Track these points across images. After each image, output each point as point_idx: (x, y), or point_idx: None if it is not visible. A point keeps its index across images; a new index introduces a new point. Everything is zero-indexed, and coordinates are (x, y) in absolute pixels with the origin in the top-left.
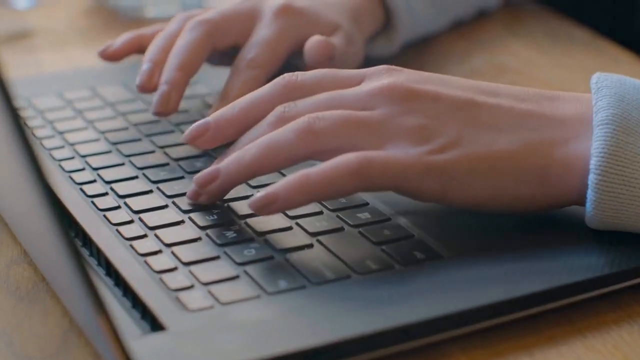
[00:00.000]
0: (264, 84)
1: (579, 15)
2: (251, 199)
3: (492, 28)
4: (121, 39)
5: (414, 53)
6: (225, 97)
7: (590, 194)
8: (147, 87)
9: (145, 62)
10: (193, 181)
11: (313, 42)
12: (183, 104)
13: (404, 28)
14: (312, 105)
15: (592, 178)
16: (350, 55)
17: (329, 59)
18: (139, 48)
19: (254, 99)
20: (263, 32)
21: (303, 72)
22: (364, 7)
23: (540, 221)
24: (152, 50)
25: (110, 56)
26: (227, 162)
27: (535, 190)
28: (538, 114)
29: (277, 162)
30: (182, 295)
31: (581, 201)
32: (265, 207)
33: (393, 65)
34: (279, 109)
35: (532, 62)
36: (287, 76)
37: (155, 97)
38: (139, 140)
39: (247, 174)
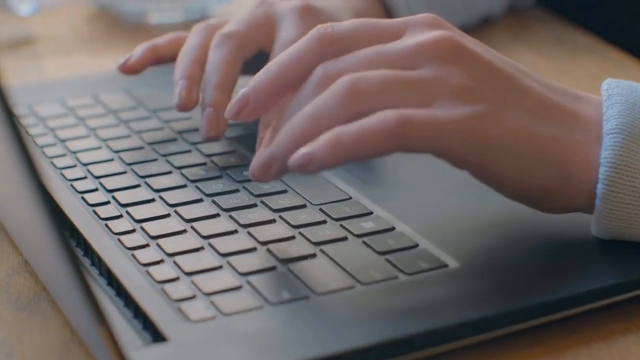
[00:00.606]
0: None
1: (584, 21)
2: (292, 158)
3: (497, 33)
4: (138, 51)
5: None
6: None
7: (597, 203)
8: (187, 105)
9: (179, 79)
10: (252, 171)
11: None
12: (191, 112)
13: None
14: (355, 63)
15: (600, 187)
16: None
17: None
18: (155, 59)
19: (289, 58)
20: (290, 32)
21: (338, 23)
22: (366, 12)
23: (547, 230)
24: (182, 65)
25: (130, 69)
26: (278, 142)
27: (557, 185)
28: (566, 109)
29: (324, 129)
30: (184, 306)
31: (589, 208)
32: (303, 167)
33: (434, 15)
34: (319, 70)
35: (537, 68)
36: (321, 28)
37: (202, 122)
38: (142, 148)
39: (299, 147)
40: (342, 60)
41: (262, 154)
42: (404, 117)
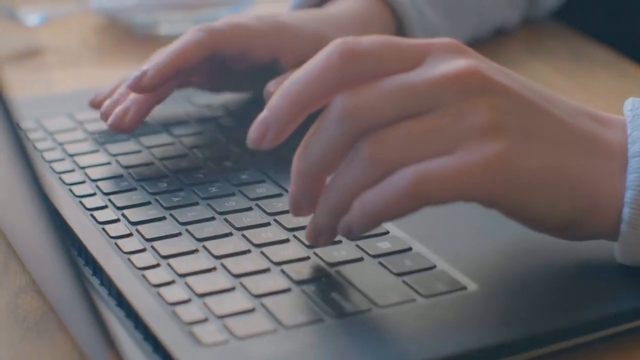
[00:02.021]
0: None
1: (601, 35)
2: (339, 230)
3: (512, 47)
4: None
5: None
6: None
7: (623, 228)
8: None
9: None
10: (306, 238)
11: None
12: (197, 127)
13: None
14: (378, 100)
15: (626, 211)
16: None
17: None
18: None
19: (310, 74)
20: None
21: (360, 38)
22: (373, 18)
23: (567, 253)
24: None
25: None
26: (319, 214)
27: (584, 216)
28: (591, 136)
29: (354, 196)
30: (196, 329)
31: (614, 235)
32: (347, 236)
33: (455, 40)
34: (340, 116)
35: (554, 84)
36: (340, 43)
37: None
38: (152, 164)
39: (337, 217)
40: (364, 98)
41: (311, 223)
42: (420, 176)
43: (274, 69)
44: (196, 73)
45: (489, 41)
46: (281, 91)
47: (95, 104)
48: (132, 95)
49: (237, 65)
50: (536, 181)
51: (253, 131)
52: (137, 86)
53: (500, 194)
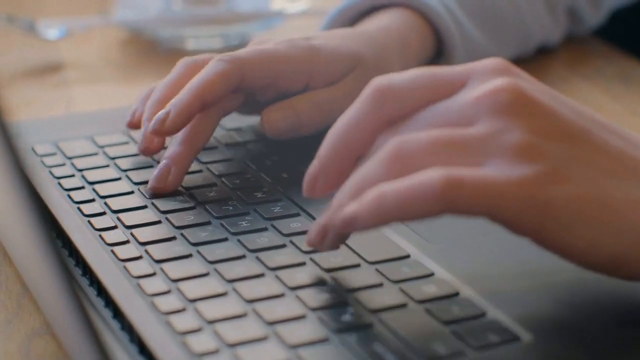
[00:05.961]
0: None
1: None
2: (336, 218)
3: (556, 68)
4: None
5: None
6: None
7: None
8: (150, 152)
9: (145, 119)
10: (309, 240)
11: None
12: (227, 154)
13: (460, 58)
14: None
15: None
16: None
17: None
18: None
19: (348, 124)
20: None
21: (394, 75)
22: (411, 35)
23: (629, 297)
24: (149, 106)
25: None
26: (330, 212)
27: (634, 252)
28: None
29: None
30: None
31: None
32: (347, 228)
33: (501, 59)
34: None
35: (603, 108)
36: (375, 83)
37: (156, 171)
38: (178, 194)
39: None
40: (402, 130)
41: (317, 222)
42: (452, 178)
43: None
44: (225, 98)
45: (532, 61)
46: (326, 141)
47: (134, 125)
48: (170, 151)
49: (266, 95)
50: (571, 212)
51: (305, 182)
52: (160, 131)
53: (529, 222)
